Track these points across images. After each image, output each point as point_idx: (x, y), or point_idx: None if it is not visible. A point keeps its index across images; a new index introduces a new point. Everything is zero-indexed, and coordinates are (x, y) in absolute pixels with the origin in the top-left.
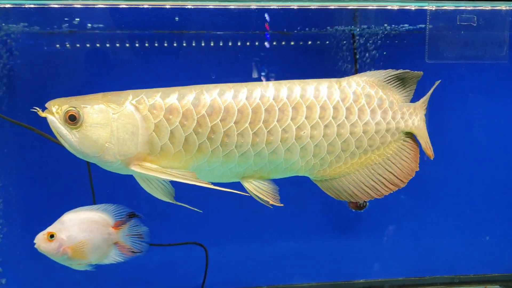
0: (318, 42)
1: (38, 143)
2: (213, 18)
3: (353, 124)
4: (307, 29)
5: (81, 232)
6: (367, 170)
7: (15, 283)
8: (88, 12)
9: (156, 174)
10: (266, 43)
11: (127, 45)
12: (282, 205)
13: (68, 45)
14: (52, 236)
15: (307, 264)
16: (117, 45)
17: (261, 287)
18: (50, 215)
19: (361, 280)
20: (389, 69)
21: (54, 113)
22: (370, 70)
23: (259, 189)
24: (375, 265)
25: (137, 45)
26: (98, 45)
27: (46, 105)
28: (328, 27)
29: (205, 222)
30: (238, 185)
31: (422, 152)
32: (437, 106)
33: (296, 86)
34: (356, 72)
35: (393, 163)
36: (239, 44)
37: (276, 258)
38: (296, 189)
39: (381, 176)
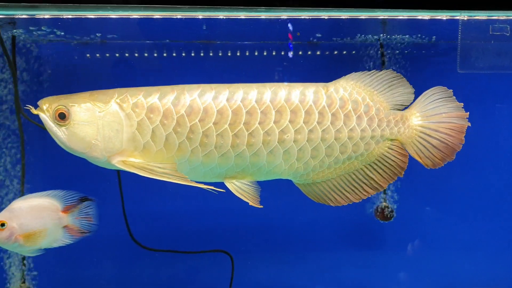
0: (345, 52)
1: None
2: (241, 28)
3: (338, 130)
4: (334, 38)
5: (32, 219)
6: (349, 176)
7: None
8: (120, 23)
9: (137, 171)
10: (289, 53)
11: (155, 54)
12: (261, 206)
13: (98, 55)
14: (3, 224)
15: (331, 275)
16: (145, 54)
17: None
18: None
19: None
20: (375, 70)
21: (45, 110)
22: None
23: (241, 190)
24: (400, 277)
25: (164, 54)
26: (127, 54)
27: (38, 103)
28: (357, 36)
29: (230, 231)
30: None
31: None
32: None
33: (281, 90)
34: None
35: (374, 169)
36: (265, 53)
37: (300, 268)
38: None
39: (362, 181)
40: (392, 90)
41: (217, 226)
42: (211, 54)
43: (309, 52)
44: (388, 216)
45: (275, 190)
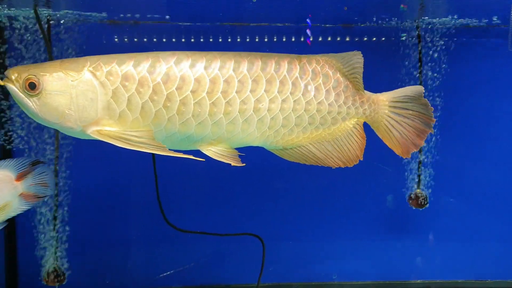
0: (374, 38)
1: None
2: (271, 10)
3: (308, 102)
4: (367, 22)
5: None
6: (317, 145)
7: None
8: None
9: (113, 141)
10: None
11: (183, 40)
12: (243, 164)
13: (126, 39)
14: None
15: (362, 262)
16: (173, 40)
17: (312, 283)
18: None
19: (418, 281)
20: (352, 52)
21: (14, 81)
22: (436, 66)
23: (219, 154)
24: (431, 266)
25: (192, 40)
26: (155, 39)
27: (5, 73)
28: (393, 20)
29: (262, 216)
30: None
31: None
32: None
33: (257, 59)
34: (421, 68)
35: (341, 144)
36: (293, 39)
37: (331, 255)
38: (353, 186)
39: (330, 152)
40: (355, 72)
41: (250, 210)
42: (238, 39)
43: (347, 38)
44: (422, 203)
45: (308, 173)
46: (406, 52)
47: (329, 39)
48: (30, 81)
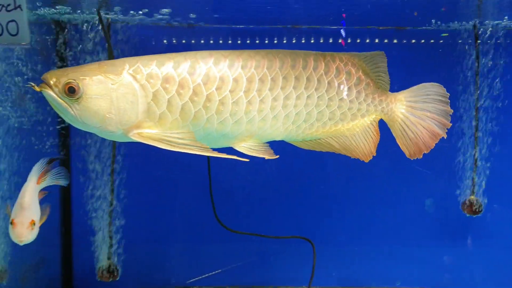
0: (432, 41)
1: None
2: (320, 12)
3: (331, 98)
4: (423, 26)
5: (36, 206)
6: (335, 138)
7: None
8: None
9: (155, 143)
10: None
11: (238, 41)
12: (277, 156)
13: (184, 41)
14: (34, 223)
15: (415, 268)
16: (229, 42)
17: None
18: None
19: None
20: (376, 51)
21: (52, 86)
22: (492, 71)
23: (252, 149)
24: (485, 274)
25: (248, 41)
26: (211, 41)
27: (43, 77)
28: (449, 23)
29: (315, 219)
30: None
31: None
32: None
33: (287, 58)
34: (477, 73)
35: (358, 140)
36: (349, 41)
37: (382, 260)
38: (410, 191)
39: (347, 146)
40: (379, 71)
41: (301, 213)
42: (284, 41)
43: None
44: (477, 210)
45: (361, 178)
46: (462, 54)
47: (386, 41)
48: (69, 85)
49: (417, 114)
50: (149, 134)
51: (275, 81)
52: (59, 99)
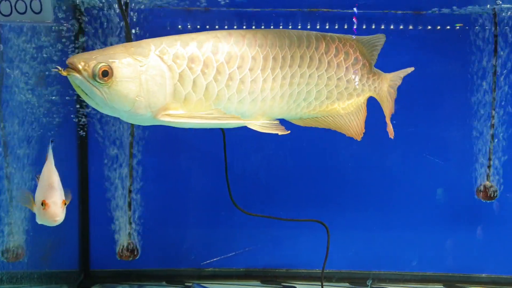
0: (448, 27)
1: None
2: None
3: (329, 77)
4: (441, 9)
5: (61, 187)
6: (331, 117)
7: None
8: None
9: (186, 120)
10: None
11: (262, 26)
12: (288, 132)
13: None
14: (65, 204)
15: (428, 253)
16: (243, 26)
17: (372, 272)
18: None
19: (483, 275)
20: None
21: (81, 70)
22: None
23: (265, 127)
24: (497, 260)
25: (262, 26)
26: (226, 26)
27: (69, 62)
28: (468, 6)
29: (329, 203)
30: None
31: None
32: None
33: (293, 36)
34: (496, 58)
35: (352, 118)
36: (364, 27)
37: (396, 245)
38: (424, 177)
39: (342, 124)
40: (374, 52)
41: (316, 197)
42: (309, 26)
43: (420, 27)
44: (491, 196)
45: (377, 164)
46: (480, 40)
47: (401, 27)
48: (103, 69)
49: (394, 89)
50: (178, 114)
51: (285, 59)
52: (88, 83)
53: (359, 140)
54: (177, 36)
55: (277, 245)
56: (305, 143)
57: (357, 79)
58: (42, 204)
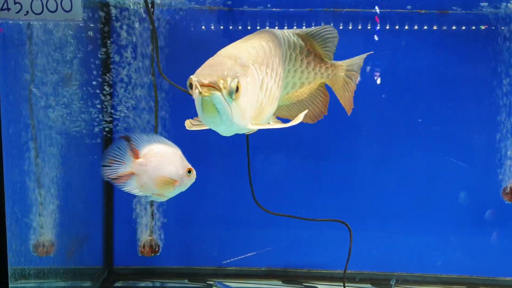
0: (474, 27)
1: None
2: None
3: (295, 70)
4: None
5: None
6: (289, 106)
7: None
8: None
9: (275, 126)
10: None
11: (276, 26)
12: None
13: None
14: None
15: (452, 255)
16: (276, 25)
17: (395, 273)
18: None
19: (508, 278)
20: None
21: (222, 88)
22: None
23: (270, 123)
24: None
25: (285, 26)
26: (249, 27)
27: (209, 81)
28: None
29: (351, 205)
30: None
31: None
32: None
33: (276, 35)
34: None
35: (307, 104)
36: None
37: (420, 246)
38: (446, 179)
39: (299, 110)
40: (326, 43)
41: (338, 199)
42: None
43: (444, 27)
44: None
45: (398, 165)
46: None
47: (425, 27)
48: (237, 85)
49: (351, 77)
50: (261, 122)
51: (280, 59)
52: (225, 101)
53: (314, 122)
54: (239, 43)
55: (299, 245)
56: (328, 145)
57: (309, 69)
58: (189, 171)
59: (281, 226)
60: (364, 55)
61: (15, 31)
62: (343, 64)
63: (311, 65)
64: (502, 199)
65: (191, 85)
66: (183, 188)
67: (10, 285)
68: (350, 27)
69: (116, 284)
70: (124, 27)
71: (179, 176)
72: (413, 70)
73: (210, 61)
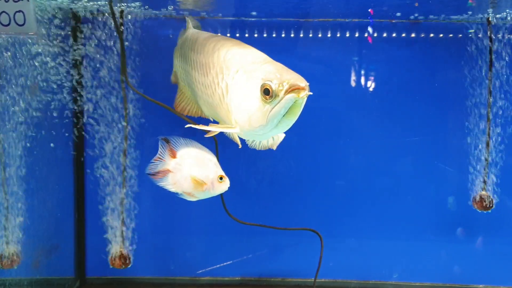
0: (442, 34)
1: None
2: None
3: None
4: (432, 16)
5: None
6: None
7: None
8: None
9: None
10: (369, 29)
11: (255, 35)
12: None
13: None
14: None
15: (422, 263)
16: (246, 35)
17: (369, 282)
18: None
19: (481, 286)
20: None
21: (306, 89)
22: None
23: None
24: (495, 271)
25: (265, 35)
26: (228, 34)
27: (305, 84)
28: (463, 15)
29: (321, 212)
30: None
31: None
32: None
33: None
34: (491, 68)
35: None
36: (357, 35)
37: (391, 255)
38: (418, 187)
39: None
40: None
41: (311, 207)
42: (301, 34)
43: (413, 35)
44: (487, 206)
45: (370, 171)
46: (474, 49)
47: (394, 35)
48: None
49: None
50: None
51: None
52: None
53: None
54: (248, 49)
55: (273, 254)
56: (306, 150)
57: None
58: (221, 178)
59: (257, 235)
60: None
61: None
62: None
63: None
64: (472, 207)
65: (266, 90)
66: (214, 193)
67: None
68: (338, 35)
69: None
70: (93, 35)
71: (209, 179)
72: (387, 80)
73: (277, 65)
